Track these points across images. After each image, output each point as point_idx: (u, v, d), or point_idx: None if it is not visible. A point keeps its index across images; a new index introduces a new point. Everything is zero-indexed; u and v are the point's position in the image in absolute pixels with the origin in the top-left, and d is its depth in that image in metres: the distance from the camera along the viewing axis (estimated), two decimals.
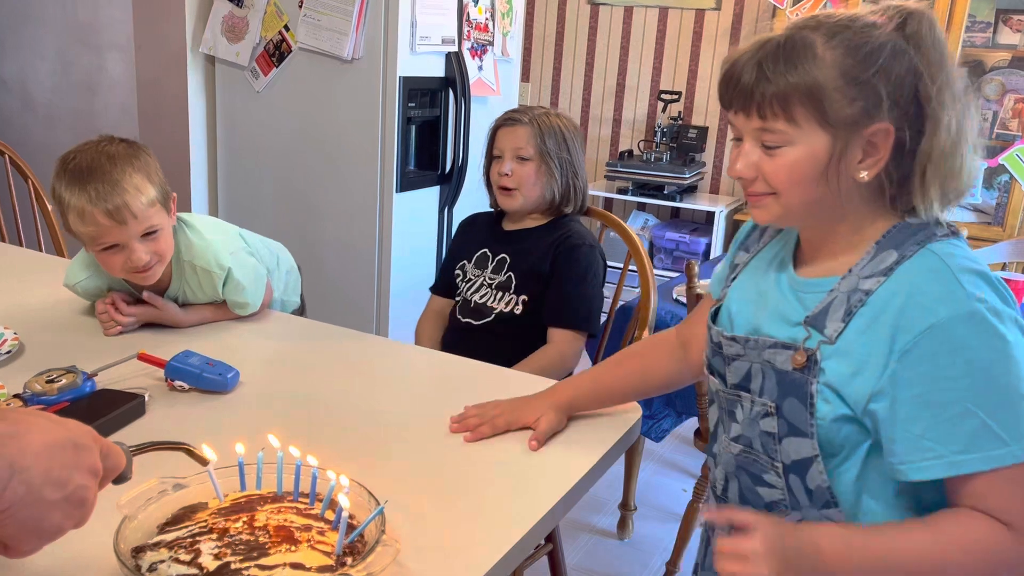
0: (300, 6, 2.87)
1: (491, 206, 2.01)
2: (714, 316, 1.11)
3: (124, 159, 1.46)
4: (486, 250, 1.92)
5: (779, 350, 0.96)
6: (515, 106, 2.22)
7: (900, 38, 0.89)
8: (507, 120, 1.92)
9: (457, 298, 1.96)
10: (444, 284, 2.02)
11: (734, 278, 1.12)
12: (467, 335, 1.90)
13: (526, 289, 1.86)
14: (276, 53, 2.99)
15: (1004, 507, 0.85)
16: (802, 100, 0.89)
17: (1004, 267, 2.79)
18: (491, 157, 1.94)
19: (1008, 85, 3.26)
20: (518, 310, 1.86)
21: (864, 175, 0.91)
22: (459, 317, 1.92)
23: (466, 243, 1.98)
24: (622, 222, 2.13)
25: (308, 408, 1.31)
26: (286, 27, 2.95)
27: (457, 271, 1.95)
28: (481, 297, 1.89)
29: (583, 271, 1.88)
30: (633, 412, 1.34)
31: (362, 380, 1.45)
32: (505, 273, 1.88)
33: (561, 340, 1.84)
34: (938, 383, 0.85)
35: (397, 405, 1.34)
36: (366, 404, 1.34)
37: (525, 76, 4.25)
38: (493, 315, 1.88)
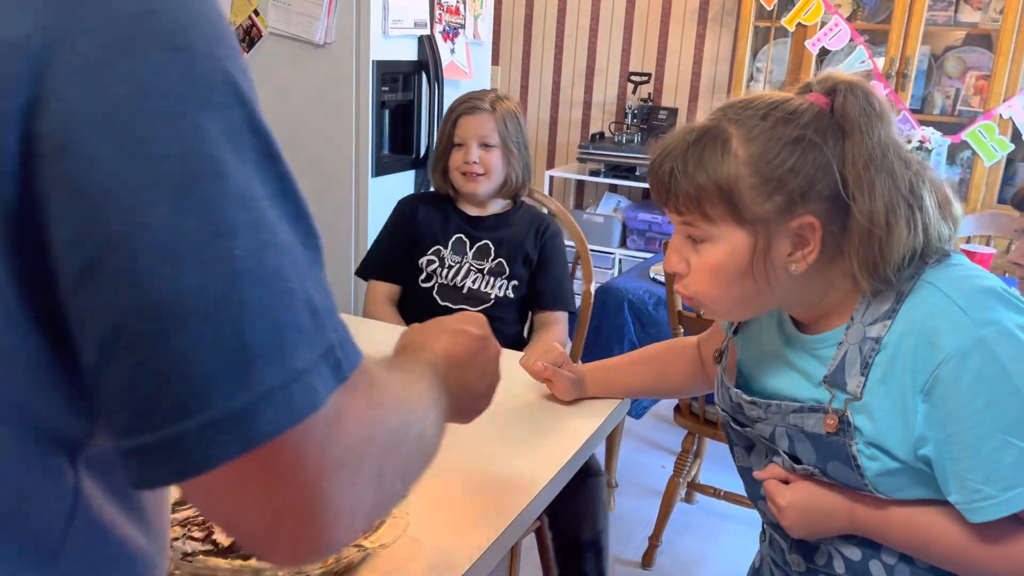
0: None
1: (437, 190, 1.98)
2: (735, 380, 1.07)
3: None
4: (461, 235, 1.92)
5: (806, 414, 0.92)
6: (479, 90, 2.19)
7: (820, 126, 0.87)
8: (469, 108, 1.91)
9: (428, 283, 1.91)
10: (385, 268, 1.95)
11: (736, 330, 1.09)
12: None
13: (516, 274, 1.93)
14: (246, 38, 2.96)
15: None
16: (712, 199, 0.87)
17: (968, 240, 2.87)
18: (450, 144, 1.92)
19: (969, 62, 3.33)
20: (511, 294, 1.92)
21: (794, 268, 0.88)
22: (445, 303, 1.90)
23: (429, 228, 1.93)
24: (564, 210, 2.28)
25: None
26: (256, 12, 2.92)
27: (430, 256, 1.91)
28: (473, 283, 1.90)
29: (565, 255, 2.03)
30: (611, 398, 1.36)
31: None
32: (494, 259, 1.92)
33: (557, 322, 1.95)
34: (968, 420, 0.82)
35: None
36: None
37: (495, 59, 4.25)
38: (492, 300, 1.91)
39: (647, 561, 2.27)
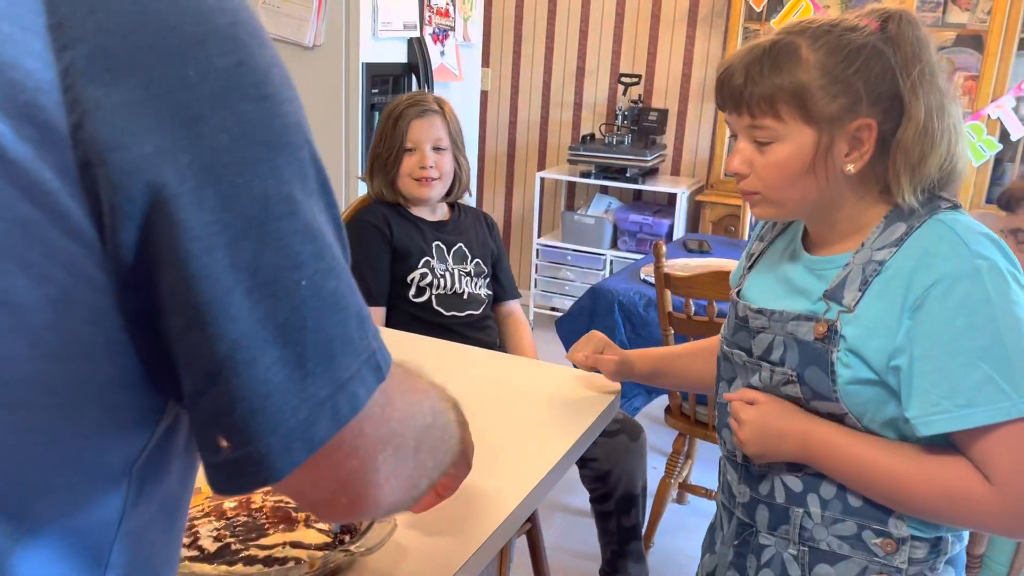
0: None
1: (384, 198, 1.90)
2: (738, 292, 1.16)
3: None
4: (438, 243, 1.89)
5: (802, 322, 1.00)
6: (415, 92, 2.14)
7: (879, 39, 0.96)
8: (420, 111, 1.86)
9: (422, 297, 1.85)
10: (384, 294, 1.84)
11: (750, 267, 1.17)
12: (471, 327, 1.89)
13: (487, 272, 1.97)
14: None
15: (993, 463, 0.88)
16: (786, 99, 0.96)
17: None
18: (401, 150, 1.86)
19: (957, 63, 3.34)
20: (488, 291, 1.96)
21: (851, 168, 0.97)
22: (451, 313, 1.86)
23: (410, 241, 1.85)
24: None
25: None
26: None
27: (422, 270, 1.85)
28: (467, 287, 1.90)
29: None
30: (611, 391, 1.37)
31: None
32: (472, 260, 1.93)
33: (518, 310, 2.06)
34: (945, 337, 0.89)
35: None
36: None
37: (485, 61, 4.25)
38: (486, 301, 1.94)
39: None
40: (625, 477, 1.93)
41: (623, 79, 3.94)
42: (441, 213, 1.96)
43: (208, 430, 0.46)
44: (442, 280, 1.87)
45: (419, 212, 1.91)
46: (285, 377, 0.45)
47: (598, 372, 1.37)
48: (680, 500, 2.59)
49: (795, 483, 1.04)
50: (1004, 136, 3.10)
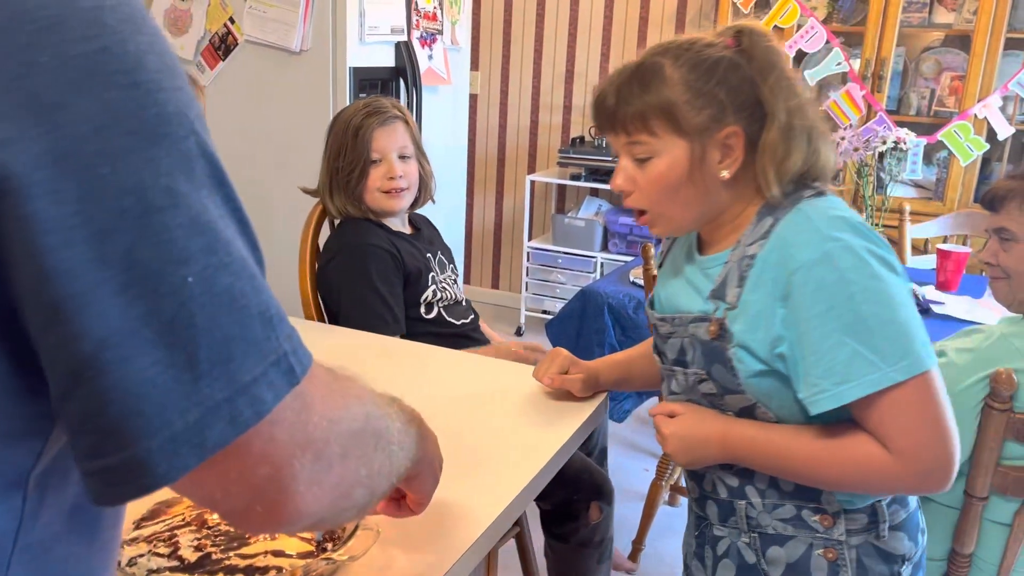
0: None
1: (355, 214, 1.80)
2: (651, 303, 1.23)
3: None
4: (428, 255, 1.85)
5: (699, 323, 1.07)
6: (369, 98, 1.94)
7: (734, 53, 1.04)
8: (383, 120, 1.77)
9: (432, 313, 1.80)
10: (400, 318, 1.75)
11: (660, 265, 1.25)
12: (477, 331, 1.88)
13: (458, 273, 1.95)
14: (222, 46, 2.95)
15: (883, 431, 0.95)
16: (657, 115, 1.03)
17: (945, 240, 2.89)
18: (365, 162, 1.75)
19: (944, 63, 3.35)
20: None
21: (725, 173, 1.04)
22: (460, 322, 1.83)
23: (415, 260, 1.79)
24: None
25: None
26: (231, 19, 2.90)
27: (432, 288, 1.80)
28: (457, 294, 1.87)
29: None
30: (599, 394, 1.37)
31: None
32: (450, 265, 1.91)
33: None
34: (812, 321, 0.95)
35: None
36: None
37: (474, 64, 4.25)
38: (469, 304, 1.93)
39: (632, 558, 2.26)
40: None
41: None
42: (408, 226, 1.90)
43: (80, 435, 0.43)
44: (444, 292, 1.83)
45: (393, 224, 1.83)
46: (170, 378, 0.43)
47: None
48: (672, 502, 2.59)
49: (731, 479, 1.11)
50: (991, 136, 3.11)
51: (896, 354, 0.92)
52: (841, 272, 0.94)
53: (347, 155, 1.77)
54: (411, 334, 1.75)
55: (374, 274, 1.72)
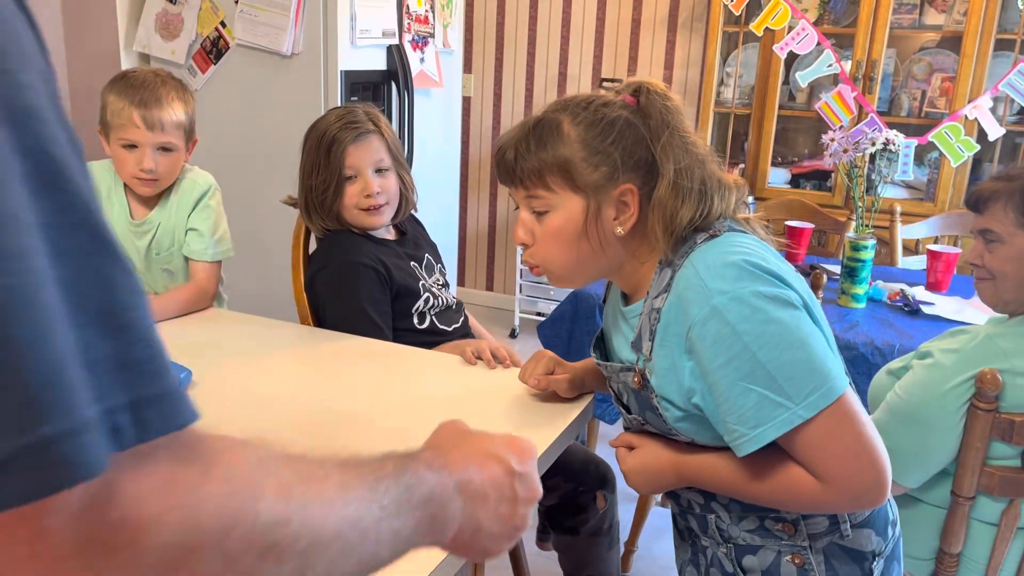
0: (236, 2, 2.83)
1: (337, 228, 1.75)
2: (596, 342, 1.25)
3: (172, 86, 1.74)
4: (414, 262, 1.81)
5: (626, 372, 1.10)
6: (341, 108, 1.83)
7: (631, 112, 1.06)
8: (356, 135, 1.68)
9: (424, 323, 1.77)
10: (389, 334, 1.71)
11: (599, 306, 1.25)
12: (467, 335, 1.85)
13: (445, 274, 1.94)
14: (213, 50, 2.95)
15: (808, 463, 0.97)
16: (553, 171, 1.05)
17: (936, 240, 2.90)
18: (339, 180, 1.68)
19: (935, 65, 3.36)
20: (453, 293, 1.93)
21: (620, 230, 1.07)
22: (451, 328, 1.81)
23: (403, 273, 1.75)
24: None
25: (263, 405, 1.31)
26: (222, 23, 2.90)
27: (425, 295, 1.77)
28: (447, 299, 1.85)
29: None
30: (587, 394, 1.37)
31: (317, 375, 1.45)
32: (437, 268, 1.89)
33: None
34: (716, 373, 0.97)
35: (355, 397, 1.35)
36: (322, 399, 1.34)
37: (467, 67, 4.25)
38: (460, 306, 1.92)
39: (624, 566, 2.26)
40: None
41: (605, 84, 3.95)
42: (393, 230, 1.86)
43: None
44: (435, 299, 1.79)
45: (382, 235, 1.79)
46: None
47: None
48: (663, 503, 2.59)
49: (697, 496, 1.14)
50: (982, 137, 3.12)
51: (802, 392, 0.94)
52: (732, 325, 0.95)
53: (320, 173, 1.70)
54: (401, 337, 1.72)
55: (362, 294, 1.67)
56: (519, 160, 1.07)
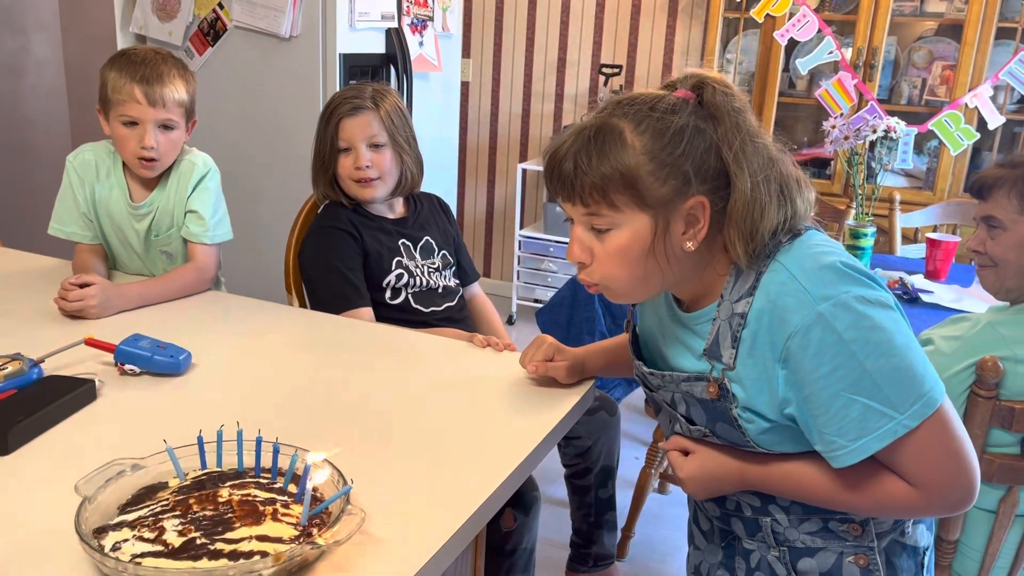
0: None
1: (330, 200, 1.84)
2: (635, 341, 1.19)
3: (173, 64, 1.73)
4: (404, 240, 1.85)
5: (693, 382, 1.03)
6: (355, 85, 1.91)
7: (698, 116, 0.96)
8: (351, 109, 1.77)
9: (398, 299, 1.81)
10: (364, 295, 1.76)
11: (635, 322, 1.21)
12: (450, 320, 1.87)
13: (453, 260, 1.94)
14: (211, 32, 2.92)
15: (905, 471, 0.95)
16: (618, 187, 0.95)
17: (935, 229, 2.90)
18: (335, 151, 1.79)
19: (936, 53, 3.35)
20: (457, 281, 1.94)
21: (690, 245, 0.98)
22: (428, 309, 1.84)
23: (380, 245, 1.80)
24: None
25: (263, 386, 1.30)
26: (220, 5, 2.88)
27: (398, 271, 1.81)
28: (436, 281, 1.87)
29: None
30: (587, 381, 1.37)
31: (316, 357, 1.45)
32: (439, 253, 1.89)
33: (481, 291, 2.04)
34: (817, 384, 0.93)
35: (353, 380, 1.34)
36: (322, 380, 1.34)
37: (466, 52, 4.23)
38: (458, 291, 1.92)
39: (621, 552, 2.27)
40: (605, 451, 1.96)
41: (604, 70, 3.93)
42: (399, 208, 1.91)
43: None
44: (416, 279, 1.83)
45: (378, 211, 1.85)
46: None
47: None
48: (661, 490, 2.60)
49: (752, 499, 1.09)
50: (982, 125, 3.11)
51: (907, 401, 0.91)
52: (839, 333, 0.91)
53: (320, 142, 1.82)
54: (377, 319, 1.76)
55: (334, 253, 1.76)
56: (579, 174, 0.96)
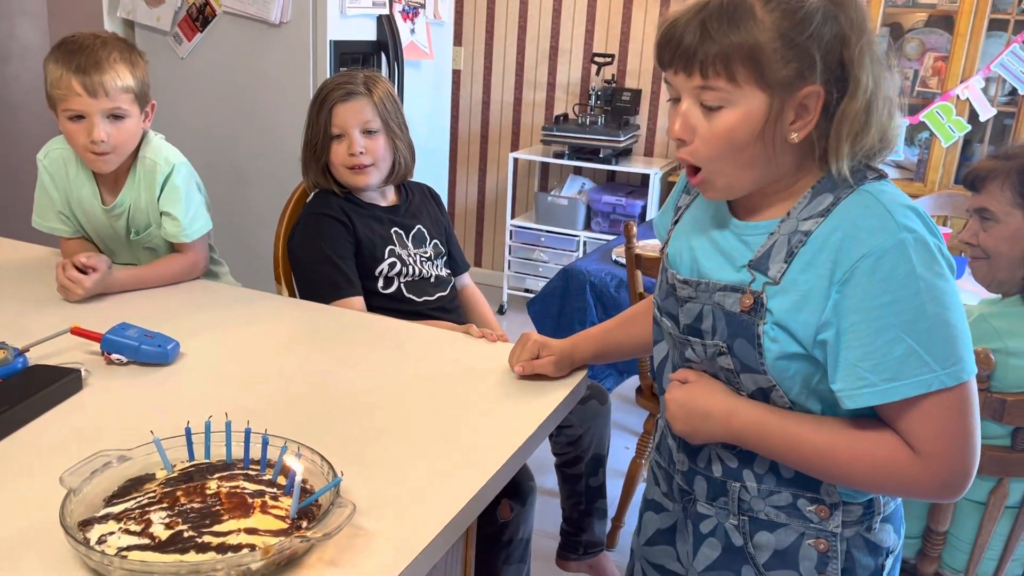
0: None
1: (321, 188, 1.83)
2: (667, 259, 1.14)
3: (115, 47, 1.61)
4: (396, 229, 1.83)
5: (728, 293, 0.99)
6: (346, 72, 1.92)
7: (829, 3, 0.92)
8: (344, 94, 1.75)
9: (391, 288, 1.79)
10: (355, 283, 1.75)
11: (676, 220, 1.15)
12: (443, 310, 1.86)
13: (444, 250, 1.93)
14: (200, 17, 2.89)
15: (916, 433, 0.91)
16: (743, 60, 0.91)
17: None
18: (327, 137, 1.77)
19: (928, 44, 3.35)
20: (448, 270, 1.93)
21: (795, 136, 0.94)
22: (421, 299, 1.82)
23: (372, 233, 1.79)
24: None
25: (251, 376, 1.29)
26: None
27: (390, 260, 1.79)
28: (432, 269, 1.86)
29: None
30: (579, 370, 1.36)
31: (306, 346, 1.43)
32: (431, 242, 1.88)
33: (471, 282, 2.02)
34: (871, 312, 0.89)
35: (344, 370, 1.33)
36: (311, 370, 1.33)
37: (457, 40, 4.20)
38: (451, 280, 1.91)
39: (611, 541, 2.27)
40: (596, 440, 1.97)
41: (596, 59, 3.91)
42: (391, 196, 1.90)
43: None
44: (408, 267, 1.82)
45: (371, 199, 1.84)
46: None
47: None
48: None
49: (730, 459, 1.06)
50: (973, 117, 3.12)
51: (950, 358, 0.89)
52: (913, 265, 0.88)
53: (312, 129, 1.79)
54: (368, 308, 1.75)
55: (325, 240, 1.74)
56: (705, 42, 0.91)
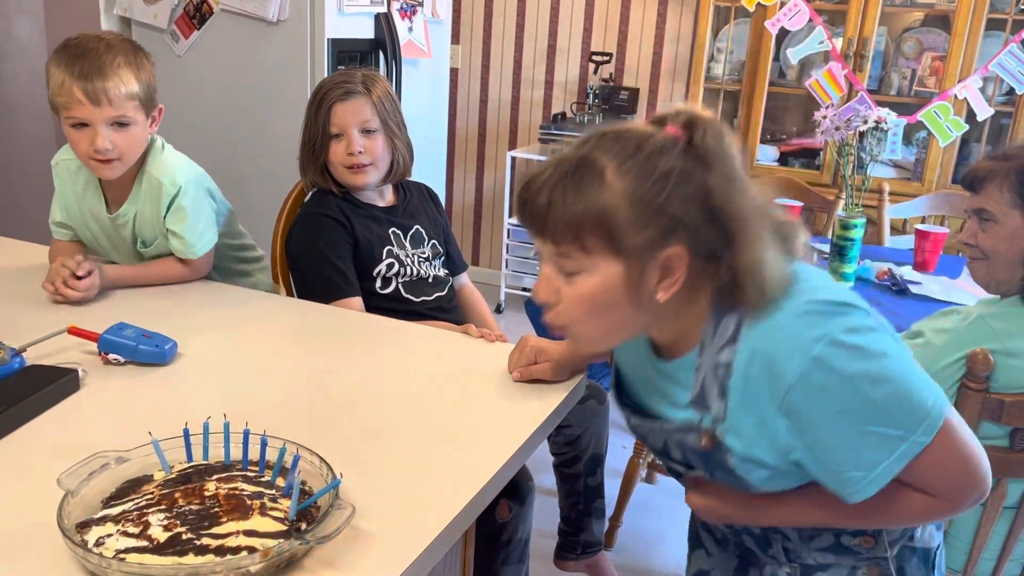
0: None
1: (319, 187, 1.82)
2: (617, 385, 1.14)
3: (120, 51, 1.54)
4: (394, 229, 1.83)
5: (685, 433, 0.99)
6: (343, 71, 1.90)
7: (688, 160, 0.88)
8: (343, 93, 1.74)
9: (388, 288, 1.80)
10: (354, 284, 1.75)
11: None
12: (441, 310, 1.85)
13: (442, 250, 1.92)
14: (197, 15, 2.88)
15: (926, 485, 0.95)
16: (591, 229, 0.88)
17: (924, 220, 2.90)
18: (326, 137, 1.76)
19: (925, 43, 3.35)
20: (446, 270, 1.92)
21: (660, 295, 0.91)
22: (419, 299, 1.82)
23: (371, 233, 1.78)
24: None
25: (250, 376, 1.29)
26: None
27: (389, 261, 1.79)
28: (430, 269, 1.85)
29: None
30: (577, 372, 1.36)
31: (305, 347, 1.43)
32: (429, 242, 1.87)
33: (469, 281, 2.03)
34: (826, 425, 0.90)
35: (343, 371, 1.33)
36: (311, 371, 1.32)
37: (455, 38, 4.19)
38: (449, 280, 1.91)
39: (608, 541, 2.27)
40: (594, 439, 1.97)
41: (594, 57, 3.91)
42: (389, 196, 1.89)
43: None
44: (406, 268, 1.81)
45: (369, 199, 1.83)
46: None
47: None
48: (649, 480, 2.60)
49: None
50: (971, 116, 3.12)
51: (916, 418, 0.89)
52: (839, 372, 0.87)
53: (311, 128, 1.78)
54: (366, 308, 1.74)
55: (323, 240, 1.73)
56: (552, 211, 0.89)
